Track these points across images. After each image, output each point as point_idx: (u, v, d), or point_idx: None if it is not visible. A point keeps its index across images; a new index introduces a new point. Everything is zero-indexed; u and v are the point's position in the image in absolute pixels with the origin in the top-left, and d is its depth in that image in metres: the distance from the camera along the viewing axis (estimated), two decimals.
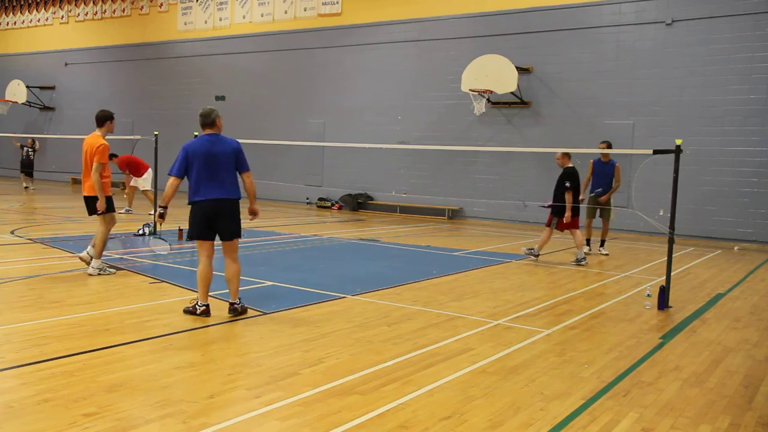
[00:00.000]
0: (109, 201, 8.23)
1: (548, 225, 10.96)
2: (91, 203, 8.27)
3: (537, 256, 10.97)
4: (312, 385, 4.57)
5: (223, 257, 6.53)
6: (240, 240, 6.65)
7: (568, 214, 10.58)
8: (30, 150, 22.97)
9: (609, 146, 11.92)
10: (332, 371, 4.90)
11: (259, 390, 4.46)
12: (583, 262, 10.69)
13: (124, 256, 9.63)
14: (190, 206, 6.37)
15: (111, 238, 11.49)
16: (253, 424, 3.93)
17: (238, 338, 5.78)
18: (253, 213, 6.68)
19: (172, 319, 6.22)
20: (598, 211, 12.10)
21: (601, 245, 12.31)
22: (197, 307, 6.36)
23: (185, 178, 6.40)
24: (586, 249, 11.73)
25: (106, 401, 4.14)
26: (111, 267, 8.42)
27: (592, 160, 12.22)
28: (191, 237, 6.41)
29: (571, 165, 10.80)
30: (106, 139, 8.25)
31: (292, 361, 5.14)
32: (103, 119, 8.29)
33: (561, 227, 10.85)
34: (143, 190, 15.62)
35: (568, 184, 10.53)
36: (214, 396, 4.34)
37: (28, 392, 4.24)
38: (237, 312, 6.43)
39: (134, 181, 15.66)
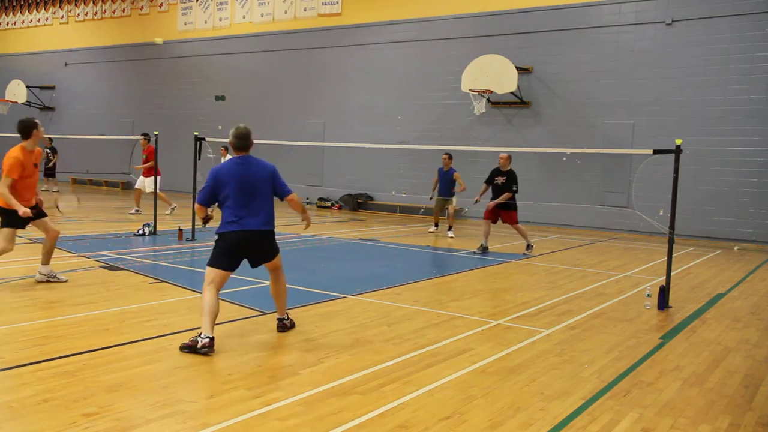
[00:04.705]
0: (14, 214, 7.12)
1: (487, 218, 12.05)
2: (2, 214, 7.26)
3: (486, 248, 11.82)
4: (312, 385, 4.57)
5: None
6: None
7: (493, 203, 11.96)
8: (48, 151, 21.83)
9: (449, 157, 14.55)
10: (332, 371, 4.90)
11: (259, 390, 4.46)
12: (532, 248, 11.93)
13: (124, 256, 9.62)
14: (217, 236, 5.61)
15: (110, 237, 11.52)
16: (253, 424, 3.92)
17: (238, 338, 5.77)
18: (305, 221, 6.27)
19: (172, 319, 6.22)
20: (446, 207, 14.63)
21: (449, 229, 14.43)
22: (199, 339, 5.18)
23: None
24: (432, 229, 14.97)
25: (106, 401, 4.14)
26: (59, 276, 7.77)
27: (437, 168, 14.76)
28: (211, 264, 5.55)
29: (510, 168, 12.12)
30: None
31: (292, 361, 5.14)
32: (26, 130, 7.09)
33: (509, 221, 12.01)
34: (150, 192, 15.70)
35: (515, 188, 11.85)
36: (214, 396, 4.34)
37: (28, 392, 4.24)
38: (286, 328, 5.99)
39: (140, 183, 15.74)
